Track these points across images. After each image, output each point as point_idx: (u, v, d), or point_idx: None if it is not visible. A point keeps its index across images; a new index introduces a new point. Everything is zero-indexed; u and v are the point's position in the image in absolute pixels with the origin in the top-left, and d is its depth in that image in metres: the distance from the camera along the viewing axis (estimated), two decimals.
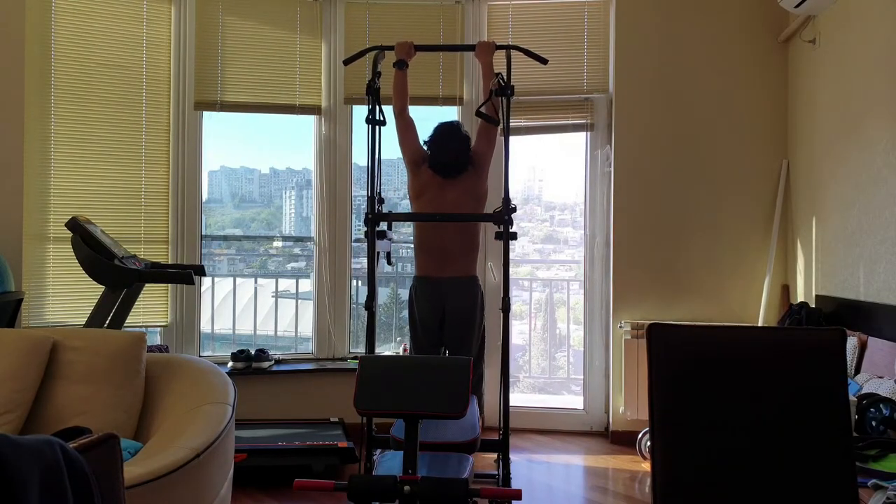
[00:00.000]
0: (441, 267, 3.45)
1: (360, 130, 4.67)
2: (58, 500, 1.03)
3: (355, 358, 4.60)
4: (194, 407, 2.44)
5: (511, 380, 3.09)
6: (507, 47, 3.34)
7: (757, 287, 4.30)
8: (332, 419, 4.20)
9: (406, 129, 3.52)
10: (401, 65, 3.42)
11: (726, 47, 4.34)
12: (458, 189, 3.45)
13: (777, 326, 3.94)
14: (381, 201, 3.25)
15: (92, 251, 3.29)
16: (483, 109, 3.25)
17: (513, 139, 3.13)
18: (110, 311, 3.38)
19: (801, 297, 4.05)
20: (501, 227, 2.99)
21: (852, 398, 2.52)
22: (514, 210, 3.04)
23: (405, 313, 3.94)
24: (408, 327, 3.68)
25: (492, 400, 4.50)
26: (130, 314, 3.61)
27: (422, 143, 3.54)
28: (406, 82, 3.49)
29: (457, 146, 3.47)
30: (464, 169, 3.48)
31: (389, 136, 3.58)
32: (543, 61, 3.32)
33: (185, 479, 2.08)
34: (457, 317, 3.44)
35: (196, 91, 4.42)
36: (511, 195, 3.08)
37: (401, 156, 3.60)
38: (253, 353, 4.37)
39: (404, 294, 5.30)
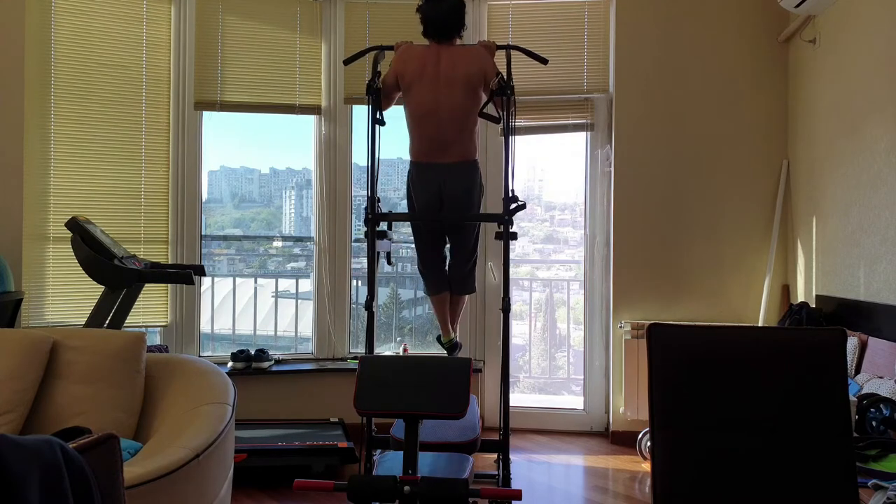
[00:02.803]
0: (438, 152, 3.30)
1: (360, 130, 4.67)
2: (58, 500, 1.03)
3: (355, 358, 4.60)
4: (194, 407, 2.44)
5: (511, 380, 3.08)
6: (508, 47, 3.33)
7: (757, 287, 4.30)
8: (332, 419, 4.20)
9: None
10: None
11: (726, 47, 4.34)
12: (451, 63, 3.27)
13: (777, 326, 3.94)
14: (379, 200, 3.23)
15: (92, 251, 3.29)
16: (486, 109, 3.25)
17: (513, 138, 3.13)
18: (110, 311, 3.38)
19: (801, 297, 4.05)
20: (501, 227, 2.99)
21: (852, 398, 2.52)
22: (524, 206, 3.01)
23: (405, 313, 3.94)
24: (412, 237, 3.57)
25: (492, 400, 4.51)
26: (130, 314, 3.61)
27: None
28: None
29: (452, 2, 3.32)
30: (457, 31, 3.33)
31: (390, 136, 3.57)
32: (543, 61, 3.32)
33: (185, 479, 2.08)
34: (455, 202, 3.30)
35: (196, 91, 4.42)
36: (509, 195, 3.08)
37: (400, 155, 3.56)
38: (253, 353, 4.37)
39: (404, 294, 5.30)
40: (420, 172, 3.33)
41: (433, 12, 3.30)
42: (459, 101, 3.23)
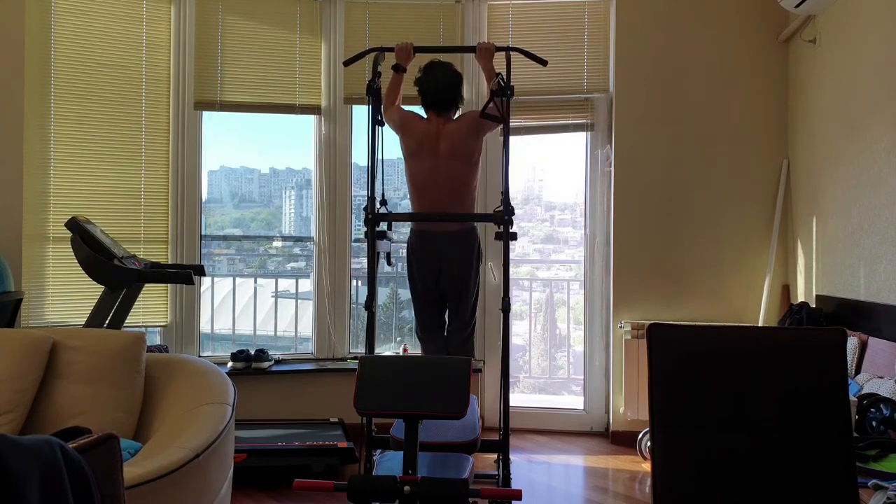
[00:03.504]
0: (437, 222, 3.40)
1: (360, 130, 4.67)
2: (58, 500, 1.03)
3: (355, 358, 4.60)
4: (194, 407, 2.44)
5: (511, 380, 3.08)
6: (507, 49, 3.34)
7: (757, 287, 4.30)
8: (332, 419, 4.20)
9: (394, 107, 3.52)
10: (398, 69, 3.45)
11: (726, 47, 4.34)
12: (450, 138, 3.38)
13: (777, 326, 3.94)
14: (383, 202, 3.24)
15: (92, 251, 3.29)
16: (487, 110, 3.25)
17: (513, 139, 3.13)
18: (110, 311, 3.38)
19: (801, 297, 4.05)
20: (501, 227, 2.99)
21: (852, 398, 2.52)
22: (512, 212, 3.03)
23: (405, 313, 3.94)
24: (408, 286, 3.65)
25: (492, 400, 4.51)
26: (130, 314, 3.60)
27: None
28: (401, 85, 3.54)
29: (448, 75, 3.45)
30: (454, 103, 3.45)
31: (390, 136, 3.58)
32: (543, 63, 3.33)
33: (185, 479, 2.07)
34: (454, 272, 3.40)
35: (196, 91, 4.42)
36: (511, 195, 3.08)
37: (400, 156, 3.59)
38: (253, 353, 4.36)
39: (404, 294, 5.30)
40: (420, 241, 3.45)
41: (431, 84, 3.42)
42: (459, 171, 3.36)
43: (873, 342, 3.15)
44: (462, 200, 3.39)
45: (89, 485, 1.11)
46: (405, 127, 3.46)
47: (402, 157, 3.58)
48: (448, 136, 3.39)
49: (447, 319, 3.58)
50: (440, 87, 3.42)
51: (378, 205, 3.14)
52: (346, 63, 3.40)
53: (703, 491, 1.73)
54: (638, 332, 4.23)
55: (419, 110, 3.60)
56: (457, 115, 3.53)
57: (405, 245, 3.60)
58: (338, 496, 3.43)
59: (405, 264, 3.58)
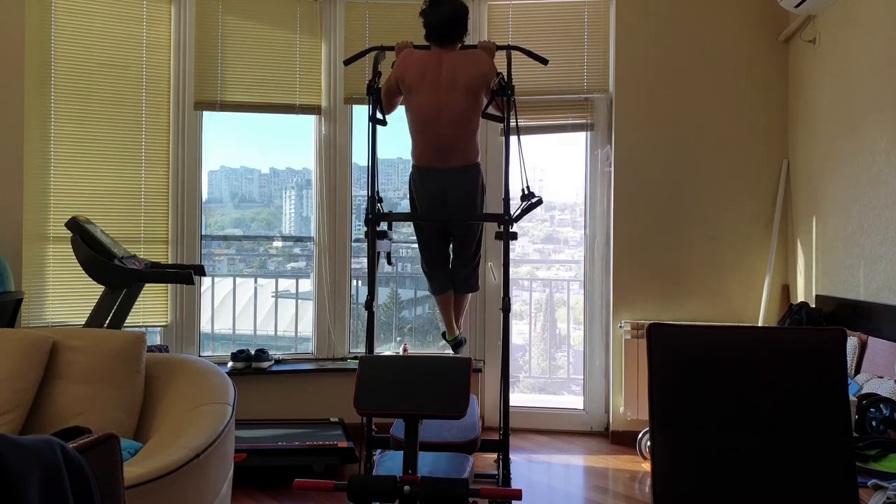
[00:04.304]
0: (440, 157, 3.30)
1: (360, 130, 4.67)
2: (58, 500, 1.03)
3: (355, 358, 4.60)
4: (194, 407, 2.44)
5: (511, 380, 3.09)
6: (508, 48, 3.33)
7: (757, 287, 4.30)
8: (332, 419, 4.20)
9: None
10: None
11: (726, 47, 4.34)
12: (451, 63, 3.28)
13: (777, 326, 3.94)
14: (379, 200, 3.23)
15: (92, 251, 3.29)
16: (489, 110, 3.25)
17: (512, 138, 3.13)
18: (110, 311, 3.38)
19: (801, 297, 4.05)
20: (501, 226, 2.99)
21: (852, 398, 2.52)
22: (540, 202, 3.03)
23: (405, 313, 3.93)
24: (412, 229, 3.59)
25: (492, 400, 4.51)
26: (130, 314, 3.61)
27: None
28: None
29: (453, 7, 3.34)
30: (459, 36, 3.35)
31: (390, 136, 3.57)
32: (544, 61, 3.32)
33: (185, 479, 2.08)
34: (458, 205, 3.31)
35: (196, 91, 4.42)
36: (511, 194, 3.09)
37: (400, 155, 3.57)
38: (253, 353, 4.37)
39: (404, 294, 5.30)
40: (422, 177, 3.34)
41: (435, 17, 3.31)
42: (461, 105, 3.23)
43: (873, 342, 3.15)
44: (464, 135, 3.27)
45: (89, 485, 1.11)
46: (406, 65, 3.31)
47: (401, 157, 3.56)
48: (450, 62, 3.27)
49: (452, 253, 3.52)
50: (445, 20, 3.30)
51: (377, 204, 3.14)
52: (347, 62, 3.39)
53: (703, 491, 1.73)
54: (638, 332, 4.23)
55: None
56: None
57: (408, 183, 3.48)
58: (338, 496, 3.43)
59: (408, 197, 3.48)
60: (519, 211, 3.09)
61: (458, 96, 3.23)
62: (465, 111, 3.24)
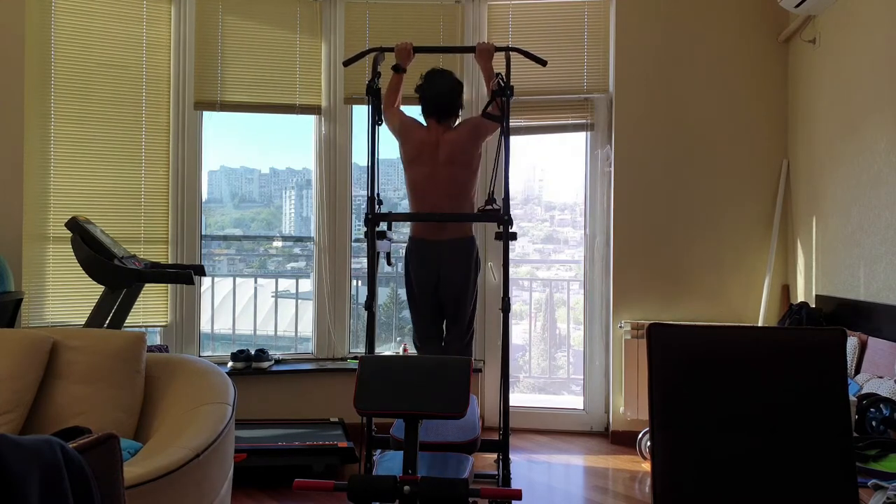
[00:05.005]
0: (436, 229, 3.42)
1: (360, 130, 4.67)
2: (58, 500, 1.03)
3: (355, 358, 4.60)
4: (194, 407, 2.44)
5: (511, 380, 3.08)
6: (507, 49, 3.34)
7: (757, 287, 4.30)
8: (332, 419, 4.20)
9: (394, 110, 3.54)
10: (398, 69, 3.45)
11: (726, 47, 4.34)
12: (449, 146, 3.41)
13: (777, 326, 3.94)
14: (379, 201, 3.24)
15: (92, 251, 3.29)
16: (489, 110, 3.26)
17: (513, 139, 3.13)
18: (110, 311, 3.38)
19: (801, 297, 4.05)
20: (501, 227, 2.99)
21: (852, 398, 2.52)
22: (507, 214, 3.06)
23: (405, 313, 3.94)
24: (405, 294, 3.67)
25: (492, 400, 4.51)
26: (130, 314, 3.61)
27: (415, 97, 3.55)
28: (401, 85, 3.54)
29: (449, 82, 3.49)
30: (455, 112, 3.48)
31: (390, 136, 3.58)
32: (542, 63, 3.33)
33: (185, 479, 2.08)
34: (452, 281, 3.42)
35: (196, 91, 4.42)
36: (511, 195, 3.08)
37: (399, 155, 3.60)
38: (253, 353, 4.37)
39: (404, 294, 5.30)
40: (418, 248, 3.47)
41: (432, 92, 3.45)
42: (458, 177, 3.39)
43: (873, 342, 3.15)
44: (461, 206, 3.42)
45: (89, 485, 1.11)
46: (405, 134, 3.48)
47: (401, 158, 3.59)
48: (447, 145, 3.42)
49: (445, 328, 3.59)
50: (441, 96, 3.45)
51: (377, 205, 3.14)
52: (346, 63, 3.40)
53: (703, 491, 1.73)
54: (638, 332, 4.23)
55: (418, 114, 3.60)
56: (456, 123, 3.55)
57: (405, 247, 3.61)
58: (338, 496, 3.43)
59: (403, 271, 3.59)
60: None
61: (456, 170, 3.40)
62: (462, 181, 3.42)
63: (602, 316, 4.54)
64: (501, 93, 3.06)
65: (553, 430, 4.57)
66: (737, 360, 1.79)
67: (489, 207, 3.10)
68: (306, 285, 4.96)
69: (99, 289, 3.40)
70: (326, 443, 3.72)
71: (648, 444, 2.99)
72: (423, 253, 3.45)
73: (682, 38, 4.36)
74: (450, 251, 3.41)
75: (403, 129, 3.49)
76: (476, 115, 3.49)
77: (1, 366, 2.42)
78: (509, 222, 3.00)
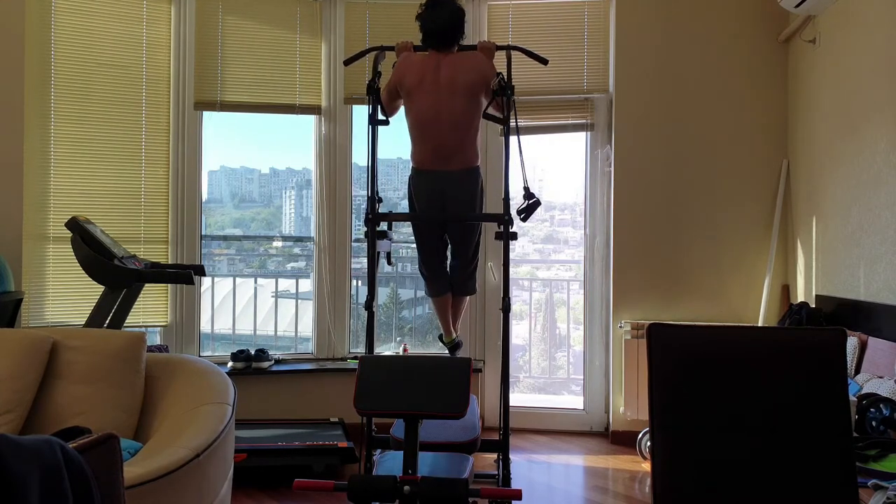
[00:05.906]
0: (440, 160, 3.29)
1: (360, 130, 4.67)
2: (58, 501, 1.03)
3: (355, 358, 4.60)
4: (194, 407, 2.44)
5: (511, 380, 3.08)
6: (508, 48, 3.33)
7: (757, 287, 4.30)
8: (332, 419, 4.20)
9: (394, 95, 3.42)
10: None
11: (726, 47, 4.34)
12: (450, 67, 3.26)
13: (777, 326, 3.94)
14: (379, 200, 3.23)
15: (92, 251, 3.29)
16: (489, 110, 3.25)
17: (512, 138, 3.13)
18: (110, 311, 3.38)
19: (801, 297, 4.05)
20: (501, 226, 2.99)
21: (852, 398, 2.52)
22: (538, 203, 3.01)
23: (405, 313, 3.93)
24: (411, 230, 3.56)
25: (492, 400, 4.51)
26: (130, 314, 3.61)
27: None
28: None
29: (449, 11, 3.30)
30: (456, 39, 3.32)
31: (390, 136, 3.57)
32: (544, 62, 3.32)
33: (185, 479, 2.08)
34: (458, 209, 3.30)
35: (196, 91, 4.42)
36: (511, 195, 3.09)
37: (400, 155, 3.57)
38: (253, 353, 4.37)
39: (404, 294, 5.30)
40: (422, 179, 3.34)
41: (432, 21, 3.30)
42: (461, 108, 3.22)
43: (873, 342, 3.15)
44: (464, 138, 3.26)
45: (89, 485, 1.11)
46: (405, 69, 3.31)
47: (401, 157, 3.56)
48: (449, 66, 3.26)
49: (450, 256, 3.51)
50: (442, 24, 3.28)
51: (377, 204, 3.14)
52: (347, 62, 3.39)
53: (703, 491, 1.73)
54: (638, 332, 4.23)
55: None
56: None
57: (408, 184, 3.46)
58: (338, 496, 3.43)
59: (407, 197, 3.47)
60: (524, 212, 3.07)
61: (458, 99, 3.22)
62: (464, 114, 3.24)
63: (602, 316, 4.54)
64: (502, 92, 3.05)
65: (553, 430, 4.58)
66: (737, 360, 1.79)
67: (531, 202, 3.04)
68: (306, 285, 4.96)
69: (99, 289, 3.40)
70: (326, 443, 3.72)
71: (648, 444, 2.99)
72: (426, 183, 3.32)
73: (682, 39, 4.36)
74: (454, 181, 3.29)
75: (401, 67, 3.32)
76: (475, 52, 3.34)
77: (1, 366, 2.42)
78: (509, 222, 3.00)
